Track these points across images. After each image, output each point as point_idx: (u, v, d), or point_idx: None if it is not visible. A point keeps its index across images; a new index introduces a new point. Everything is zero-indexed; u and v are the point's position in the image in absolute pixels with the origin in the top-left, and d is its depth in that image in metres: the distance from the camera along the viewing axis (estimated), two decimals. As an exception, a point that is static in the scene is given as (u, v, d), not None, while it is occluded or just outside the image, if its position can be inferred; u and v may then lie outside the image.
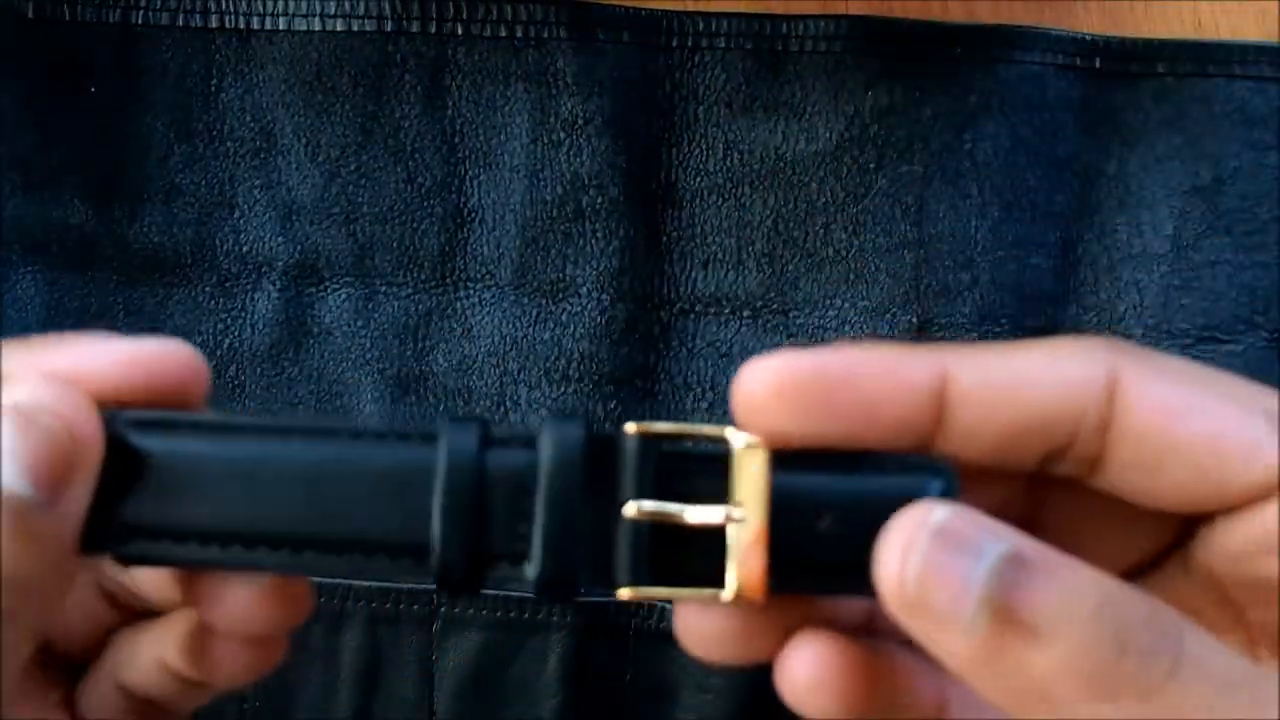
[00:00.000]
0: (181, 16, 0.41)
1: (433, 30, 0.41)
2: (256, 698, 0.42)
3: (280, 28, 0.41)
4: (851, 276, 0.41)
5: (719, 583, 0.21)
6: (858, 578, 0.20)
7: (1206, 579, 0.21)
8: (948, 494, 0.20)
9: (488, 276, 0.42)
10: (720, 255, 0.41)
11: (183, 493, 0.22)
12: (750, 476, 0.21)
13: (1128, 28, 0.41)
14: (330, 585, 0.42)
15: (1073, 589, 0.18)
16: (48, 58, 0.41)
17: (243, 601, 0.23)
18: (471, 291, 0.42)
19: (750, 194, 0.41)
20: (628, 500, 0.21)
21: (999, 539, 0.18)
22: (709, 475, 0.21)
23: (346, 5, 0.41)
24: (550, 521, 0.21)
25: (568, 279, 0.41)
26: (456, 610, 0.42)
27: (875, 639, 0.22)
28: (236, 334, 0.42)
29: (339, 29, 0.41)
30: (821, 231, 0.41)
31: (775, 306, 0.41)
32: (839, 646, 0.21)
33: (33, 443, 0.20)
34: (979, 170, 0.40)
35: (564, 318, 0.41)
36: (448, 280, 0.42)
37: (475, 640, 0.42)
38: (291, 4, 0.41)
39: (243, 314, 0.42)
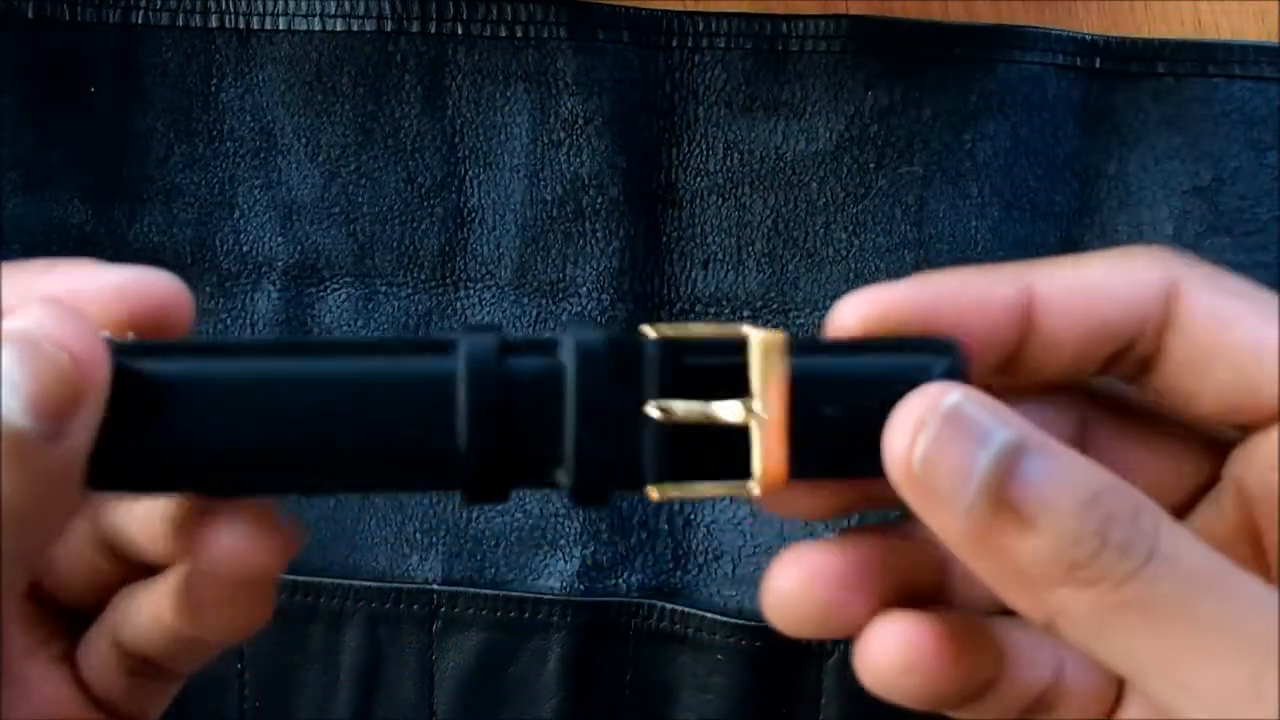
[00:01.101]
0: (181, 16, 0.41)
1: (433, 30, 0.41)
2: (256, 697, 0.43)
3: (280, 28, 0.41)
4: (852, 276, 0.41)
5: (745, 475, 0.21)
6: (873, 458, 0.20)
7: (1236, 516, 0.22)
8: (953, 372, 0.21)
9: (488, 276, 0.42)
10: (720, 255, 0.41)
11: (194, 417, 0.21)
12: (767, 369, 0.21)
13: (1128, 28, 0.41)
14: (330, 585, 0.42)
15: (1064, 482, 0.19)
16: (48, 58, 0.41)
17: (233, 542, 0.22)
18: (471, 291, 0.42)
19: (750, 194, 0.41)
20: (650, 401, 0.21)
21: (1006, 426, 0.19)
22: (728, 372, 0.21)
23: (346, 5, 0.41)
24: (581, 426, 0.21)
25: (568, 279, 0.41)
26: (456, 610, 0.42)
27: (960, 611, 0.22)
28: (237, 334, 0.42)
29: (339, 29, 0.41)
30: (822, 231, 0.41)
31: (775, 306, 0.41)
32: (929, 623, 0.21)
33: (36, 372, 0.19)
34: (979, 170, 0.40)
35: (564, 318, 0.41)
36: (448, 280, 0.42)
37: (475, 640, 0.42)
38: (291, 4, 0.41)
39: (243, 314, 0.42)
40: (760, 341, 0.21)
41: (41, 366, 0.19)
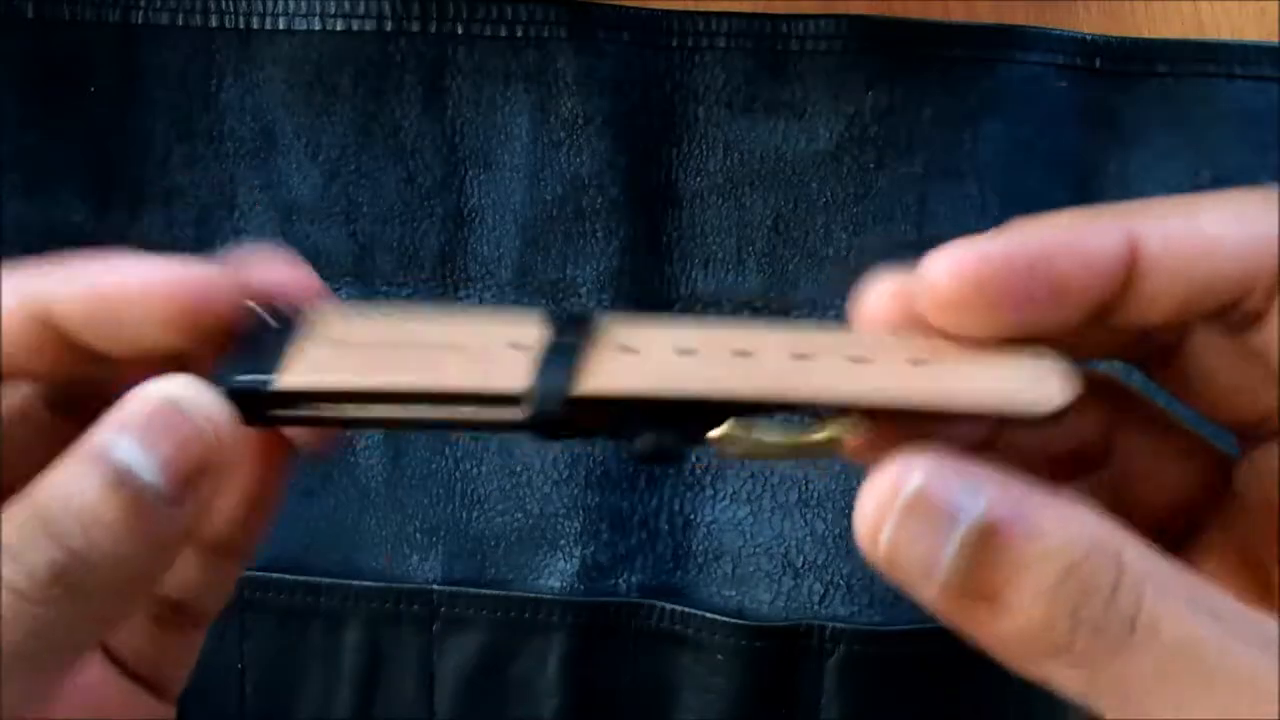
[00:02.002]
0: (182, 16, 0.41)
1: (433, 30, 0.41)
2: (257, 698, 0.43)
3: (280, 27, 0.41)
4: (852, 276, 0.41)
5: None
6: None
7: (1240, 540, 0.21)
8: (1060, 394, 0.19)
9: (488, 276, 0.42)
10: (720, 255, 0.41)
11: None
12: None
13: (1128, 28, 0.41)
14: (330, 586, 0.42)
15: (1035, 561, 0.18)
16: (48, 58, 0.41)
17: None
18: (472, 291, 0.42)
19: (750, 194, 0.41)
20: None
21: (976, 497, 0.18)
22: None
23: (346, 5, 0.41)
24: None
25: (568, 279, 0.41)
26: (457, 610, 0.42)
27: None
28: (236, 334, 0.42)
29: (339, 29, 0.41)
30: (822, 231, 0.41)
31: (776, 306, 0.41)
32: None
33: (179, 439, 0.20)
34: (979, 170, 0.40)
35: (564, 318, 0.41)
36: (448, 280, 0.42)
37: (475, 641, 0.42)
38: (291, 4, 0.41)
39: (243, 314, 0.42)
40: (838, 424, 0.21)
41: (187, 435, 0.20)
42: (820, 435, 0.21)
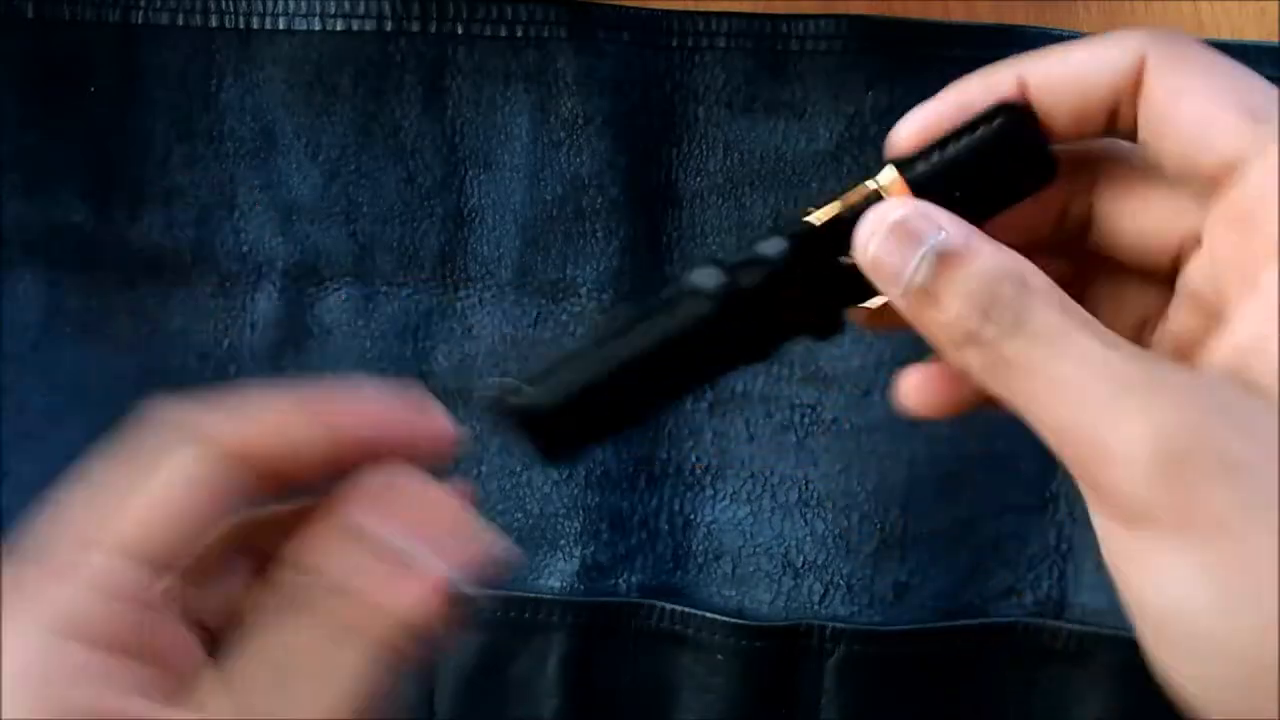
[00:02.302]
0: (182, 16, 0.41)
1: (433, 30, 0.41)
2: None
3: (280, 28, 0.41)
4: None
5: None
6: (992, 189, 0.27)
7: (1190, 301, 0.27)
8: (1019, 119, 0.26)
9: (488, 276, 0.42)
10: (720, 255, 0.41)
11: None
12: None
13: (1128, 27, 0.41)
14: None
15: (968, 275, 0.24)
16: (48, 58, 0.41)
17: None
18: (472, 291, 0.42)
19: (751, 193, 0.41)
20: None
21: (939, 230, 0.25)
22: None
23: (346, 5, 0.41)
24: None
25: (568, 279, 0.41)
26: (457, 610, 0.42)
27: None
28: (237, 334, 0.42)
29: (339, 29, 0.41)
30: (822, 231, 0.41)
31: (776, 306, 0.41)
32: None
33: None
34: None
35: (564, 318, 0.41)
36: (448, 280, 0.42)
37: (476, 641, 0.42)
38: (291, 4, 0.41)
39: (243, 314, 0.42)
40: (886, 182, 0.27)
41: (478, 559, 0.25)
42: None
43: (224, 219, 0.42)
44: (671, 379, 0.27)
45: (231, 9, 0.41)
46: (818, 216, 0.27)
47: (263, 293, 0.42)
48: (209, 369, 0.42)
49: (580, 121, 0.41)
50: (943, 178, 0.27)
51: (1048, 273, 0.25)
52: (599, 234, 0.41)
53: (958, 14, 0.41)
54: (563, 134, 0.41)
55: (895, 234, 0.25)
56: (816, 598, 0.41)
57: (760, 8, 0.41)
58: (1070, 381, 0.23)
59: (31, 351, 0.42)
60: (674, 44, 0.41)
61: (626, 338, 0.26)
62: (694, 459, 0.42)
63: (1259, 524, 0.21)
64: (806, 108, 0.40)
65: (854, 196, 0.27)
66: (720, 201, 0.41)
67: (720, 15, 0.40)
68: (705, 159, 0.41)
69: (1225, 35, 0.41)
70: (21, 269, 0.42)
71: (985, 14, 0.41)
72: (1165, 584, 0.22)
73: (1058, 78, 0.26)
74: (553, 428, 0.27)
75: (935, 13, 0.41)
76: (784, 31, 0.40)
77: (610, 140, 0.41)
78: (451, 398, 0.42)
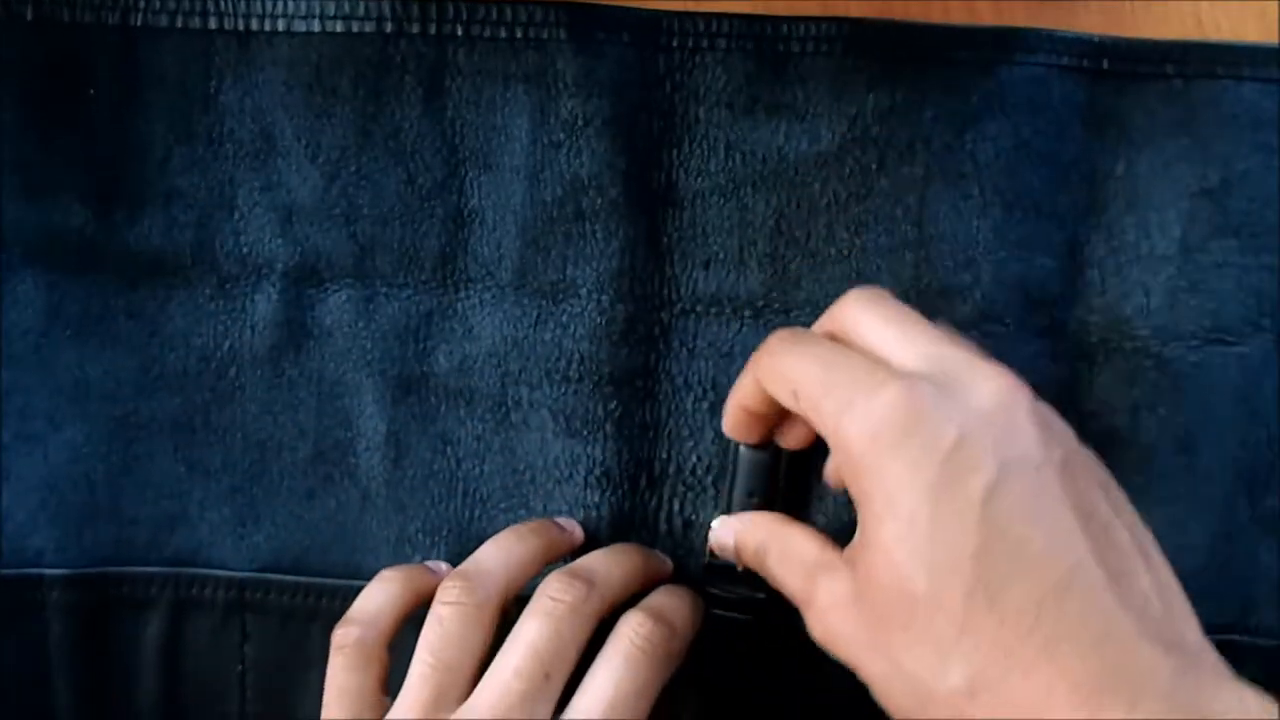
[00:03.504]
0: (181, 18, 0.41)
1: (432, 31, 0.41)
2: (257, 700, 0.43)
3: (280, 29, 0.41)
4: (853, 276, 0.41)
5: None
6: None
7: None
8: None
9: (488, 277, 0.42)
10: (721, 256, 0.41)
11: None
12: None
13: (1127, 28, 0.41)
14: (331, 586, 0.42)
15: (746, 542, 0.38)
16: (48, 61, 0.41)
17: None
18: (472, 293, 0.42)
19: (752, 194, 0.41)
20: None
21: (741, 530, 0.38)
22: None
23: (346, 6, 0.41)
24: None
25: (568, 280, 0.41)
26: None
27: None
28: (237, 336, 0.42)
29: (338, 30, 0.41)
30: (823, 232, 0.41)
31: (777, 306, 0.41)
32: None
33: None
34: (980, 171, 0.40)
35: (564, 319, 0.41)
36: (448, 281, 0.42)
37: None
38: (291, 5, 0.41)
39: (243, 316, 0.42)
40: None
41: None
42: None
43: (224, 221, 0.42)
44: None
45: (230, 10, 0.41)
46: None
47: (263, 294, 0.42)
48: (209, 371, 0.42)
49: (580, 122, 0.41)
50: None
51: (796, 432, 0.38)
52: (599, 235, 0.41)
53: (958, 15, 0.41)
54: (562, 135, 0.41)
55: (719, 533, 0.39)
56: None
57: (761, 9, 0.41)
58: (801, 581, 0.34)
59: (33, 353, 0.42)
60: (674, 45, 0.41)
61: None
62: (694, 459, 0.42)
63: None
64: (807, 109, 0.40)
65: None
66: (721, 202, 0.41)
67: (720, 16, 0.40)
68: (706, 160, 0.41)
69: (1225, 35, 0.41)
70: (22, 271, 0.42)
71: (985, 15, 0.41)
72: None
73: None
74: None
75: (935, 14, 0.41)
76: (785, 33, 0.40)
77: (610, 141, 0.41)
78: (453, 398, 0.42)
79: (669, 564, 0.41)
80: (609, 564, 0.38)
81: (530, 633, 0.35)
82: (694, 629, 0.38)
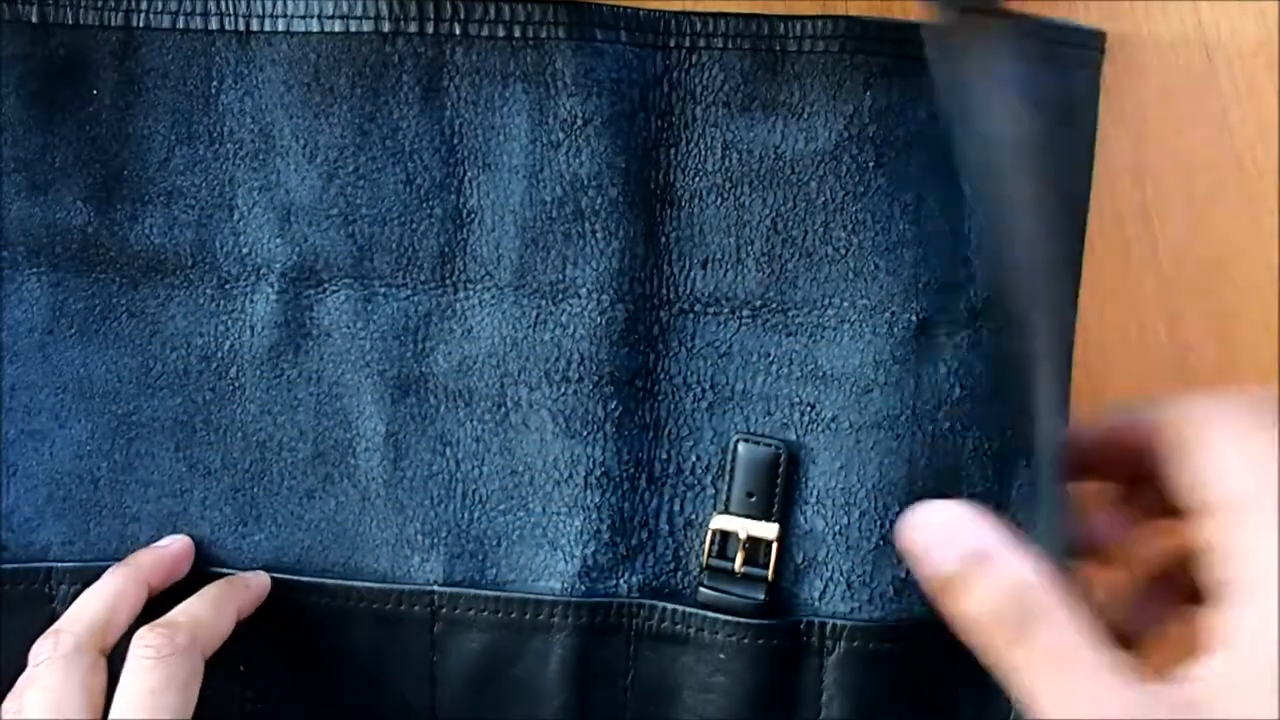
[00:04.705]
0: (182, 19, 0.41)
1: (430, 30, 0.41)
2: (258, 699, 0.43)
3: (279, 29, 0.41)
4: (851, 275, 0.41)
5: None
6: None
7: None
8: None
9: (487, 277, 0.42)
10: (719, 255, 0.41)
11: None
12: None
13: (1127, 27, 0.41)
14: (332, 587, 0.42)
15: (986, 583, 0.29)
16: (51, 61, 0.41)
17: None
18: (471, 292, 0.42)
19: (749, 193, 0.41)
20: None
21: (966, 541, 0.30)
22: None
23: (344, 6, 0.41)
24: None
25: (567, 279, 0.41)
26: (458, 611, 0.42)
27: None
28: (237, 336, 0.42)
29: (337, 30, 0.41)
30: (821, 230, 0.41)
31: (775, 305, 0.41)
32: None
33: None
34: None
35: (564, 318, 0.41)
36: (447, 281, 0.42)
37: (477, 641, 0.42)
38: (290, 5, 0.41)
39: (243, 316, 0.42)
40: None
41: None
42: None
43: (224, 221, 0.42)
44: None
45: (231, 10, 0.41)
46: None
47: (262, 295, 0.42)
48: (210, 371, 0.42)
49: (579, 122, 0.41)
50: None
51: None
52: (598, 234, 0.41)
53: (956, 13, 0.41)
54: (561, 134, 0.41)
55: (938, 531, 0.30)
56: (817, 594, 0.41)
57: (758, 8, 0.41)
58: (1063, 701, 0.27)
59: (37, 351, 0.42)
60: (672, 44, 0.41)
61: None
62: (694, 459, 0.42)
63: None
64: (805, 107, 0.40)
65: None
66: (719, 201, 0.41)
67: (718, 15, 0.40)
68: (704, 159, 0.41)
69: (1225, 35, 0.41)
70: (25, 270, 0.42)
71: (983, 13, 0.41)
72: None
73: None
74: None
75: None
76: (782, 32, 0.40)
77: (609, 140, 0.41)
78: (452, 398, 0.42)
79: (261, 579, 0.42)
80: (194, 606, 0.40)
81: (126, 683, 0.37)
82: (210, 614, 0.39)
